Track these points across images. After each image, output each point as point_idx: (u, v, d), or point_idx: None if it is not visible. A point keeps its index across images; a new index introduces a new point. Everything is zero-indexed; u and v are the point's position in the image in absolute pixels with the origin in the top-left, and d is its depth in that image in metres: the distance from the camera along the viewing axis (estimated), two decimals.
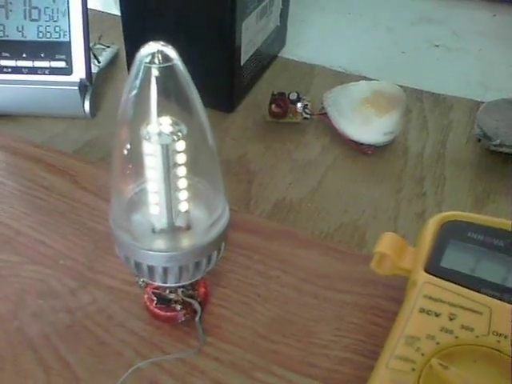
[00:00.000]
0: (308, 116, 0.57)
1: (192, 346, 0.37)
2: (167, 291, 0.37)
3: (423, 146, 0.56)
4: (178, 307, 0.37)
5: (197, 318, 0.38)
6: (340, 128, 0.55)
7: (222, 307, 0.40)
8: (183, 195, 0.34)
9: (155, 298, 0.38)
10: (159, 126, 0.32)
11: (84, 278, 0.41)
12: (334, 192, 0.51)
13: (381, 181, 0.52)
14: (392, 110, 0.54)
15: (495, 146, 0.53)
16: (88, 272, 0.42)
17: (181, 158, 0.33)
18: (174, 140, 0.32)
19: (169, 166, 0.32)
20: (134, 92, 0.31)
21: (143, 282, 0.38)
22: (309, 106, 0.57)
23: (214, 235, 0.34)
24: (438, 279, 0.35)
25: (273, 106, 0.57)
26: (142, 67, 0.30)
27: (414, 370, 0.30)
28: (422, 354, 0.31)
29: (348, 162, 0.54)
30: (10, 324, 0.38)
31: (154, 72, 0.30)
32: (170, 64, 0.30)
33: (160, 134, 0.32)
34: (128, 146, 0.33)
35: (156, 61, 0.30)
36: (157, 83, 0.30)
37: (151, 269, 0.34)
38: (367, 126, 0.54)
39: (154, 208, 0.34)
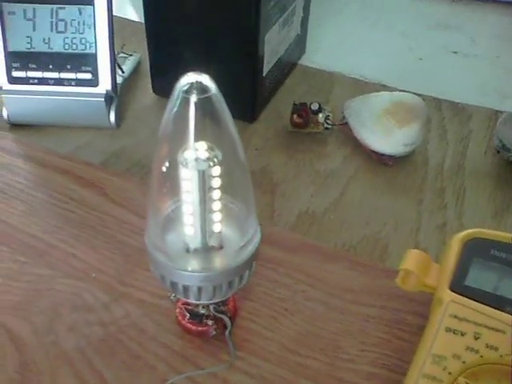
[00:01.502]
0: (329, 126, 0.58)
1: (223, 359, 0.39)
2: (199, 307, 0.39)
3: (443, 156, 0.57)
4: (210, 322, 0.39)
5: (227, 333, 0.39)
6: (361, 138, 0.56)
7: (251, 321, 0.41)
8: (217, 217, 0.35)
9: (188, 314, 0.39)
10: (196, 151, 0.33)
11: (116, 291, 0.42)
12: (355, 204, 0.51)
13: (402, 192, 0.53)
14: (413, 122, 0.55)
15: None
16: (119, 286, 0.43)
17: (216, 183, 0.34)
18: (209, 166, 0.33)
19: (204, 189, 0.33)
20: (172, 117, 0.32)
21: (175, 297, 0.39)
22: (330, 117, 0.58)
23: (246, 256, 0.35)
24: (463, 298, 0.36)
25: (294, 116, 0.58)
26: (180, 96, 0.31)
27: None
28: (449, 373, 0.32)
29: (369, 173, 0.55)
30: (46, 338, 0.40)
31: (192, 102, 0.31)
32: (207, 95, 0.31)
33: (197, 159, 0.33)
34: (165, 168, 0.34)
35: (194, 91, 0.31)
36: (195, 111, 0.31)
37: (186, 288, 0.35)
38: (388, 137, 0.55)
39: (189, 229, 0.35)
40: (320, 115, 0.57)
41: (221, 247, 0.36)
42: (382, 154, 0.55)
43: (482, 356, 0.33)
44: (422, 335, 0.36)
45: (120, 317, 0.41)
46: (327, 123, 0.58)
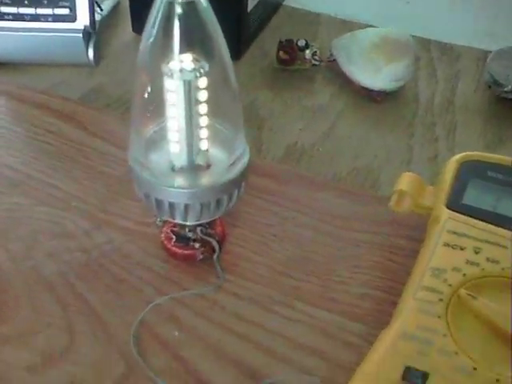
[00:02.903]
0: (317, 63, 0.56)
1: (211, 283, 0.37)
2: (186, 230, 0.37)
3: (433, 93, 0.56)
4: (197, 245, 0.37)
5: (215, 257, 0.37)
6: (350, 75, 0.54)
7: (240, 246, 0.40)
8: (204, 133, 0.33)
9: (174, 237, 0.37)
10: (181, 62, 0.31)
11: (98, 219, 0.41)
12: (345, 137, 0.50)
13: (391, 127, 0.52)
14: (401, 57, 0.53)
15: (506, 92, 0.53)
16: (102, 214, 0.41)
17: (202, 95, 0.32)
18: (196, 76, 0.31)
19: (190, 102, 0.32)
20: (156, 29, 0.30)
21: (160, 221, 0.38)
22: (317, 53, 0.56)
23: (235, 174, 0.34)
24: (461, 215, 0.35)
25: (281, 52, 0.56)
26: (164, 4, 0.29)
27: (441, 300, 0.30)
28: (450, 285, 0.31)
29: (358, 109, 0.53)
30: (24, 263, 0.38)
31: (177, 9, 0.29)
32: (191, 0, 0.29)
33: (182, 70, 0.31)
34: (148, 88, 0.33)
35: None
36: (179, 20, 0.30)
37: (172, 206, 0.33)
38: (377, 73, 0.53)
39: (174, 146, 0.33)
40: (307, 51, 0.56)
41: (208, 166, 0.34)
42: (371, 90, 0.54)
43: (483, 269, 0.32)
44: (416, 256, 0.35)
45: (102, 243, 0.39)
46: (314, 59, 0.56)
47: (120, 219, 0.41)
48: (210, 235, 0.37)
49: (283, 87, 0.55)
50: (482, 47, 0.62)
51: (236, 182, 0.34)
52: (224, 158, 0.35)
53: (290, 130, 0.50)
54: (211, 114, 0.33)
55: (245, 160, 0.35)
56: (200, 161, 0.34)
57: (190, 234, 0.37)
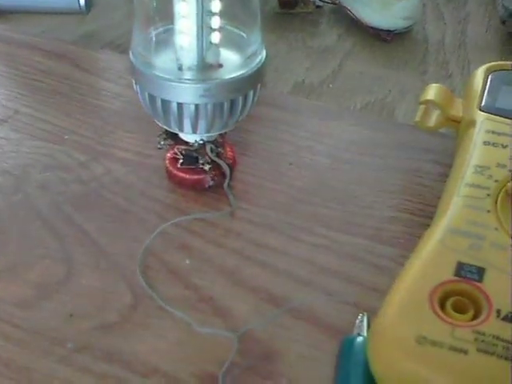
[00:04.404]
0: (321, 4, 0.53)
1: (222, 210, 0.34)
2: (194, 148, 0.33)
3: (443, 34, 0.54)
4: (207, 167, 0.33)
5: (225, 184, 0.34)
6: (357, 15, 0.52)
7: (252, 175, 0.36)
8: (216, 22, 0.29)
9: (181, 157, 0.33)
10: None
11: (94, 151, 0.37)
12: (356, 74, 0.47)
13: (404, 65, 0.49)
14: None
15: None
16: (98, 146, 0.37)
17: None
18: None
19: None
20: None
21: (164, 144, 0.34)
22: None
23: (251, 69, 0.30)
24: (497, 117, 0.32)
25: None
26: None
27: (489, 195, 0.27)
28: (496, 181, 0.28)
29: (367, 48, 0.51)
30: (13, 197, 0.34)
31: None
32: None
33: None
34: None
35: None
36: None
37: (181, 109, 0.30)
38: (386, 11, 0.51)
39: (183, 39, 0.29)
40: None
41: (220, 65, 0.31)
42: (380, 30, 0.51)
43: None
44: (445, 180, 0.32)
45: (101, 174, 0.35)
46: (318, 0, 0.53)
47: (118, 150, 0.37)
48: (220, 157, 0.34)
49: (286, 30, 0.52)
50: None
51: (251, 81, 0.31)
52: (236, 58, 0.31)
53: (296, 70, 0.47)
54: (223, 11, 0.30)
55: (261, 58, 0.31)
56: (211, 59, 0.30)
57: (198, 157, 0.34)
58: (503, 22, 0.52)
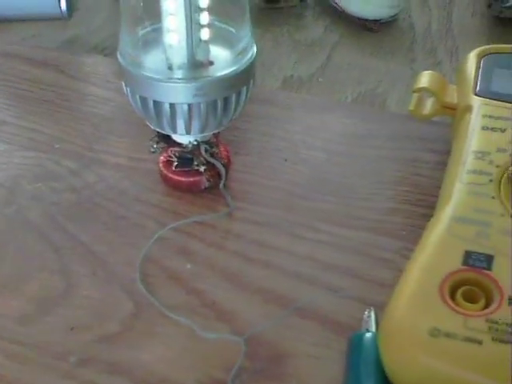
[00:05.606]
0: None
1: (220, 211, 0.33)
2: (188, 149, 0.33)
3: (429, 21, 0.53)
4: (202, 168, 0.33)
5: (221, 184, 0.33)
6: (342, 5, 0.51)
7: (248, 173, 0.36)
8: (204, 18, 0.29)
9: (175, 159, 0.33)
10: None
11: (85, 158, 0.36)
12: (344, 66, 0.47)
13: (392, 54, 0.48)
14: None
15: (507, 8, 0.50)
16: (89, 153, 0.37)
17: None
18: None
19: None
20: None
21: (157, 147, 0.33)
22: None
23: (242, 65, 0.30)
24: (494, 101, 0.32)
25: None
26: None
27: (491, 181, 0.27)
28: (497, 166, 0.27)
29: (354, 39, 0.50)
30: (7, 209, 0.33)
31: None
32: None
33: None
34: None
35: None
36: None
37: (173, 110, 0.29)
38: (371, 0, 0.50)
39: (172, 37, 0.29)
40: None
41: (210, 63, 0.30)
42: (366, 20, 0.51)
43: None
44: (444, 169, 0.31)
45: (93, 182, 0.35)
46: None
47: (110, 156, 0.36)
48: (215, 157, 0.33)
49: (272, 25, 0.51)
50: None
51: (243, 77, 0.30)
52: (227, 54, 0.30)
53: (284, 64, 0.47)
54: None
55: (251, 54, 0.31)
56: (201, 56, 0.30)
57: (193, 158, 0.33)
58: (489, 6, 0.52)
